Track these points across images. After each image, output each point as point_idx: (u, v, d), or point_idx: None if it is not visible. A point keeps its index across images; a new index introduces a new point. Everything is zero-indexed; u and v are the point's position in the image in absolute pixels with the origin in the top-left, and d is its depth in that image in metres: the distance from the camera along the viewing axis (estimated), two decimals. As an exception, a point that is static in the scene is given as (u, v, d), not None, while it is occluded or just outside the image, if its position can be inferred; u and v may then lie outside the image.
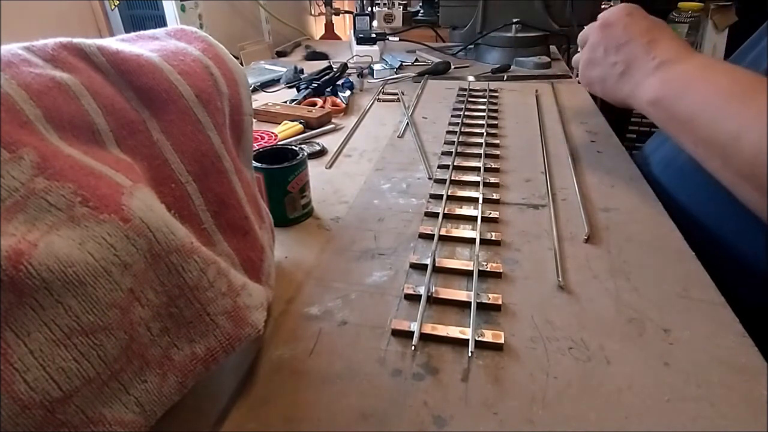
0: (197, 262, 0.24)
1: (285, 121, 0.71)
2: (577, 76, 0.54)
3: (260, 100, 0.84)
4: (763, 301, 0.39)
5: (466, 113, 0.76)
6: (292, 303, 0.37)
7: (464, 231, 0.45)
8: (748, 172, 0.33)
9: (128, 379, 0.22)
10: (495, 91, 0.89)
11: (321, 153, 0.63)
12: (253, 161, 0.38)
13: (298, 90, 0.88)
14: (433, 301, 0.36)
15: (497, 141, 0.66)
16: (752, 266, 0.43)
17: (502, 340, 0.32)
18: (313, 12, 1.65)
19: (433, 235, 0.43)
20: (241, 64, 0.97)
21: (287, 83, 0.94)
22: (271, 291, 0.33)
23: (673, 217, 0.46)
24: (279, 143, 0.65)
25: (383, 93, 0.90)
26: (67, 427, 0.20)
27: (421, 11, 1.62)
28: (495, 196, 0.50)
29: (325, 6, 1.60)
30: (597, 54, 0.48)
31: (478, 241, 0.42)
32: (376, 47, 1.16)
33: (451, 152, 0.61)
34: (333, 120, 0.75)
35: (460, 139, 0.65)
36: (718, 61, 0.39)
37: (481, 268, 0.39)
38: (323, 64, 1.03)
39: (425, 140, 0.67)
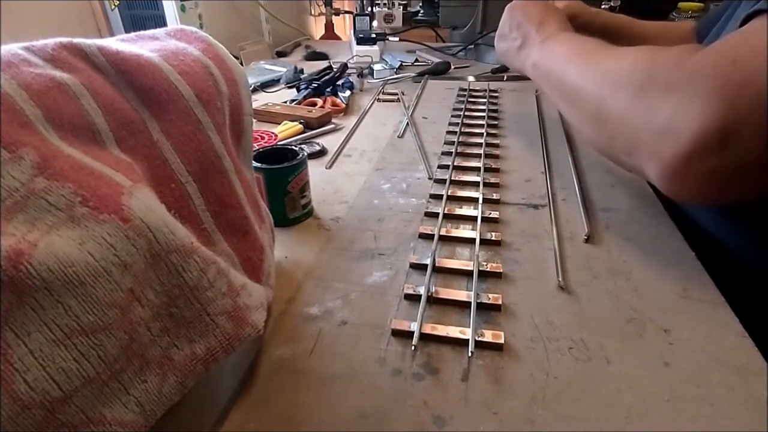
0: (197, 262, 0.24)
1: (285, 121, 0.71)
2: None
3: (260, 100, 0.83)
4: (763, 301, 0.39)
5: (466, 113, 0.76)
6: (292, 303, 0.37)
7: (464, 231, 0.45)
8: (588, 113, 0.42)
9: (128, 379, 0.22)
10: (495, 91, 0.89)
11: (321, 153, 0.63)
12: (253, 161, 0.38)
13: (298, 90, 0.88)
14: (433, 301, 0.36)
15: (497, 141, 0.66)
16: (752, 266, 0.43)
17: (502, 340, 0.32)
18: (313, 12, 1.65)
19: (433, 235, 0.43)
20: (241, 64, 0.98)
21: (287, 83, 0.94)
22: (271, 291, 0.33)
23: (673, 217, 0.46)
24: (279, 143, 0.65)
25: (383, 93, 0.90)
26: (67, 427, 0.20)
27: (421, 11, 1.62)
28: (495, 196, 0.50)
29: (325, 6, 1.60)
30: (504, 31, 0.62)
31: (478, 241, 0.42)
32: (376, 47, 1.16)
33: (451, 152, 0.61)
34: (333, 120, 0.75)
35: (460, 139, 0.65)
36: (579, 36, 0.50)
37: (481, 268, 0.39)
38: (323, 64, 1.03)
39: (425, 140, 0.67)
